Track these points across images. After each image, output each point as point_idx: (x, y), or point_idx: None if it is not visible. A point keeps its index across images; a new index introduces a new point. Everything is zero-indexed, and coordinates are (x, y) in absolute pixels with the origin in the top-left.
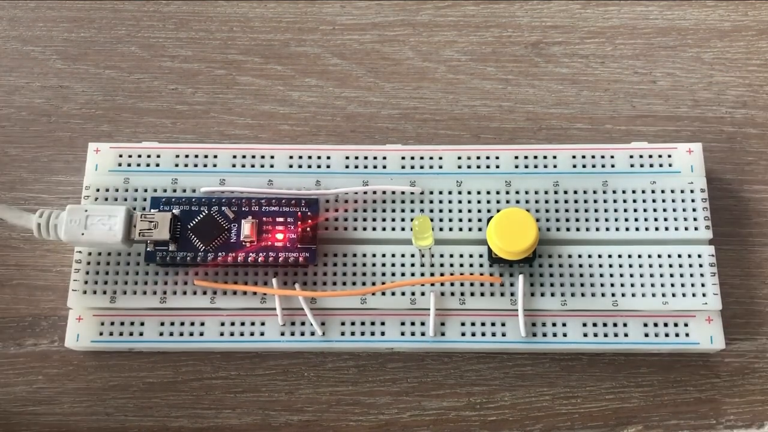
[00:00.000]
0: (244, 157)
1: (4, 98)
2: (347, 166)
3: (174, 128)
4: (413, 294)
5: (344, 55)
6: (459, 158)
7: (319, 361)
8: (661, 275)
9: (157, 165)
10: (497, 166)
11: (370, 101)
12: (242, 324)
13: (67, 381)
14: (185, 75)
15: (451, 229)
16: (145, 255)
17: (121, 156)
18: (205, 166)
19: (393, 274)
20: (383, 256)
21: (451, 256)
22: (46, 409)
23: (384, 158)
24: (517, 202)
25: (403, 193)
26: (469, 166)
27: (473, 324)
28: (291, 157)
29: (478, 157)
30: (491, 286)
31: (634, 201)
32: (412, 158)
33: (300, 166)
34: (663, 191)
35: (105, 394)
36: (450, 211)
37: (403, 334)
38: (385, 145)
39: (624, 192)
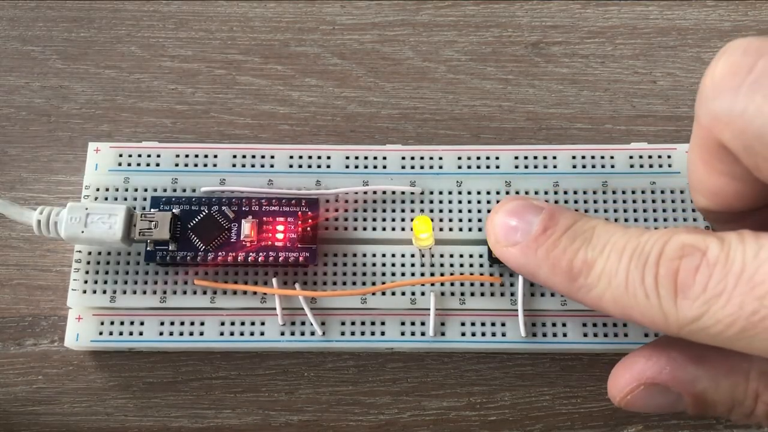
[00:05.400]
0: (244, 156)
1: (4, 98)
2: (347, 166)
3: (174, 128)
4: (413, 294)
5: (344, 55)
6: (459, 158)
7: (319, 361)
8: None
9: (157, 165)
10: (497, 166)
11: (370, 101)
12: (242, 324)
13: (67, 381)
14: (185, 75)
15: (451, 229)
16: (145, 254)
17: (121, 156)
18: (205, 165)
19: (393, 274)
20: (383, 256)
21: (451, 256)
22: (46, 409)
23: (384, 158)
24: None
25: (403, 193)
26: (469, 166)
27: (473, 324)
28: (291, 157)
29: (478, 157)
30: (491, 286)
31: (634, 201)
32: (412, 158)
33: (300, 166)
34: (663, 192)
35: (105, 394)
36: (450, 211)
37: (403, 334)
38: (385, 145)
39: (624, 192)
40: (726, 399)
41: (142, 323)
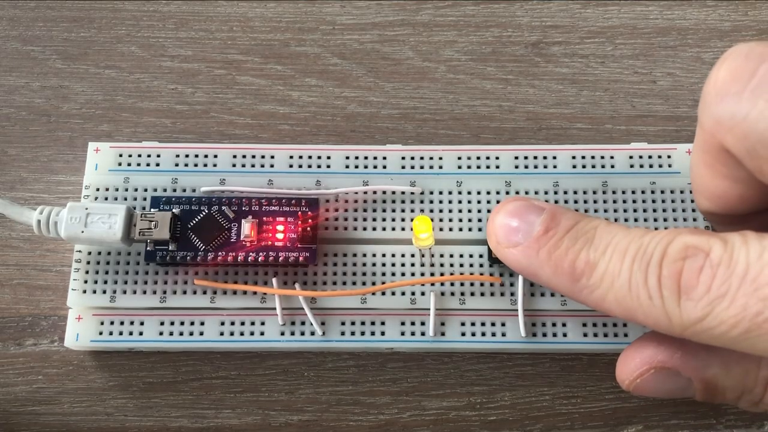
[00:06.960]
0: (244, 156)
1: (4, 98)
2: (347, 166)
3: (174, 128)
4: (413, 294)
5: (344, 55)
6: (459, 158)
7: (319, 361)
8: None
9: (157, 165)
10: (497, 166)
11: (370, 101)
12: (242, 324)
13: (67, 381)
14: (185, 75)
15: (451, 229)
16: (145, 254)
17: (121, 156)
18: (205, 165)
19: (393, 274)
20: (383, 256)
21: (451, 256)
22: (46, 409)
23: (384, 158)
24: None
25: (403, 193)
26: (469, 166)
27: (473, 324)
28: (291, 157)
29: (478, 157)
30: (491, 286)
31: (634, 201)
32: (412, 158)
33: (300, 166)
34: (663, 192)
35: (105, 394)
36: (450, 211)
37: (403, 334)
38: (385, 145)
39: (624, 192)
40: (736, 385)
41: (142, 323)
